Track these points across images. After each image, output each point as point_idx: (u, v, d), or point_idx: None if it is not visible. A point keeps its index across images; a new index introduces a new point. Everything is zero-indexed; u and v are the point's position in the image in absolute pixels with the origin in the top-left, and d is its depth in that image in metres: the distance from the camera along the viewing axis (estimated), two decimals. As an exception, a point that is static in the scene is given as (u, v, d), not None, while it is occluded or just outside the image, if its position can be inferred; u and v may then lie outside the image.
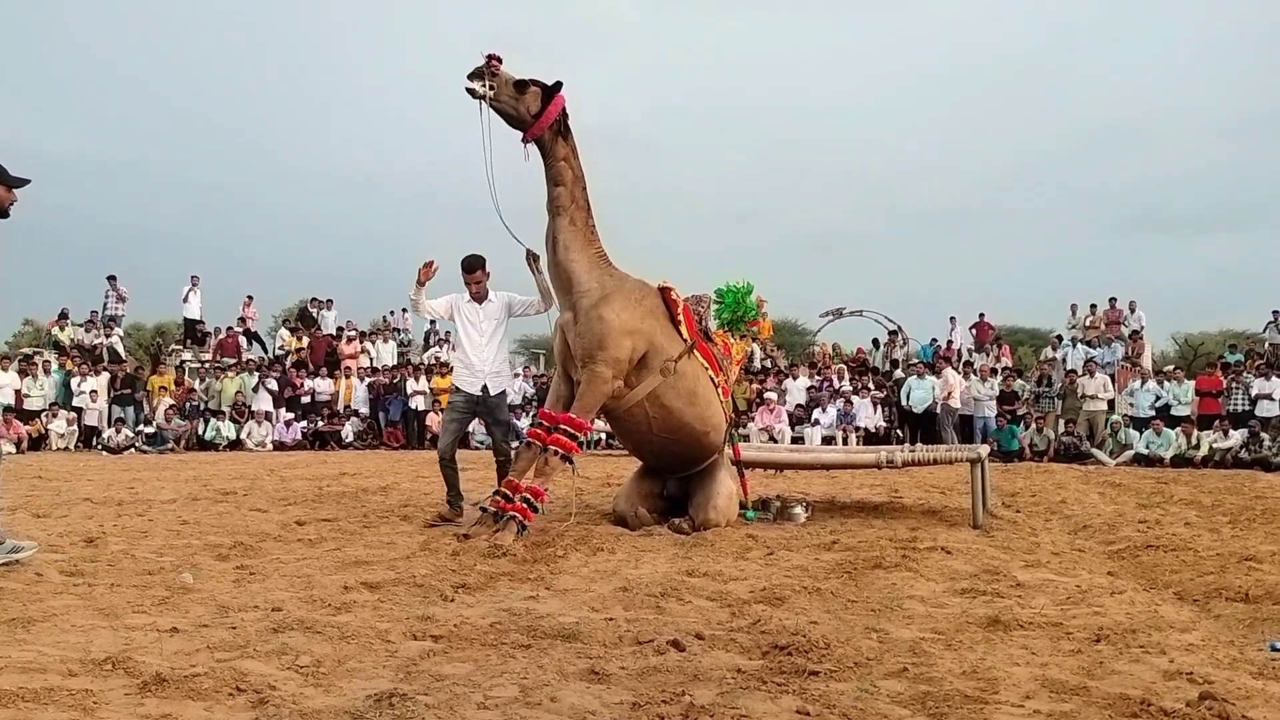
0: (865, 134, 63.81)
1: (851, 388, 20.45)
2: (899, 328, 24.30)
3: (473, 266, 7.65)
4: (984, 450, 8.17)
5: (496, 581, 5.18)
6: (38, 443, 18.09)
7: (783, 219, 64.52)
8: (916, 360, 21.24)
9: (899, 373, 21.11)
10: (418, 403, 20.57)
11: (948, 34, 61.42)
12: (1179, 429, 17.04)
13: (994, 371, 20.21)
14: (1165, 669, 3.59)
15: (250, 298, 24.41)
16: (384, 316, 26.05)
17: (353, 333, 23.36)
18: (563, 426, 6.78)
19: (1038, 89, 61.57)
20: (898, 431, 19.37)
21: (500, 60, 6.73)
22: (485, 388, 7.59)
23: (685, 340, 7.26)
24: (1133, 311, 22.29)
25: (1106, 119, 57.82)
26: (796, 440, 18.37)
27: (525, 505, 6.57)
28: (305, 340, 23.03)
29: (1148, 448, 16.90)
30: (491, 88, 6.70)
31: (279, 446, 19.28)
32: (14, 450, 16.71)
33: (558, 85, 6.91)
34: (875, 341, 24.51)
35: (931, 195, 61.00)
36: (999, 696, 3.22)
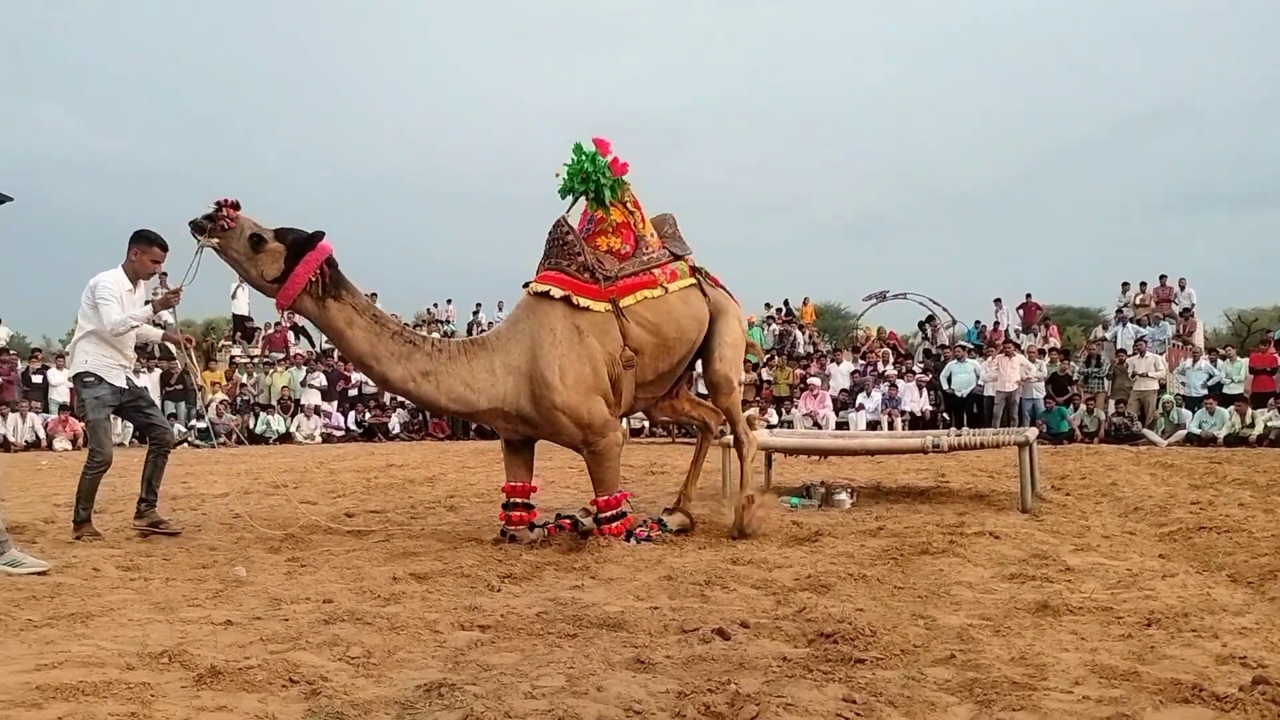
0: (898, 119, 63.34)
1: (896, 371, 20.29)
2: (944, 309, 24.12)
3: (166, 246, 6.45)
4: (1032, 433, 8.08)
5: (542, 571, 5.22)
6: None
7: (816, 207, 64.23)
8: (961, 343, 21.02)
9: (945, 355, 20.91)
10: (462, 393, 20.72)
11: (979, 14, 60.46)
12: (1232, 407, 16.73)
13: (1042, 353, 19.96)
14: (1218, 653, 3.54)
15: (296, 293, 24.68)
16: (427, 309, 26.23)
17: (397, 325, 23.57)
18: (603, 515, 6.09)
19: (1077, 69, 60.74)
20: (944, 415, 19.20)
21: (237, 207, 5.69)
22: (129, 380, 6.60)
23: (607, 308, 6.11)
24: (1183, 289, 21.90)
25: (1150, 98, 56.81)
26: (841, 425, 18.28)
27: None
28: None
29: (1200, 427, 16.62)
30: (215, 238, 5.64)
31: (327, 439, 19.53)
32: (70, 447, 17.08)
33: (316, 235, 5.76)
34: (921, 325, 24.33)
35: (968, 178, 60.50)
36: (1048, 683, 3.20)
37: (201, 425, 18.88)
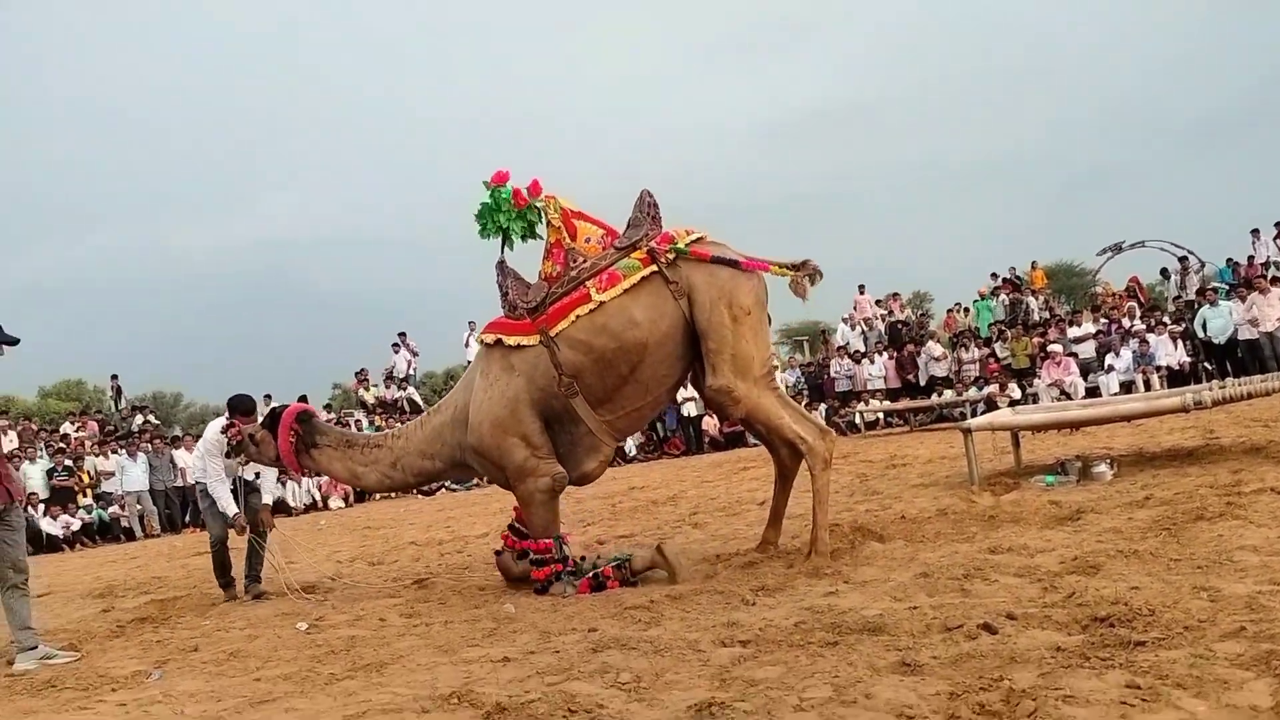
0: (1110, 54, 59.26)
1: (1145, 326, 18.97)
2: (1189, 252, 22.40)
3: (242, 411, 7.11)
4: (1307, 375, 7.40)
5: (794, 580, 5.23)
6: (361, 496, 19.85)
7: (1037, 161, 61.14)
8: (1214, 285, 19.44)
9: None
10: (689, 409, 20.90)
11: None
12: None
13: (1308, 282, 18.17)
14: None
15: (522, 332, 25.70)
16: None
17: (620, 352, 24.12)
18: (534, 558, 6.00)
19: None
20: (1205, 365, 17.79)
21: (232, 424, 6.83)
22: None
23: (539, 338, 5.95)
24: None
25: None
26: (1091, 391, 17.28)
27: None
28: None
29: None
30: (239, 454, 6.80)
31: (571, 469, 20.21)
32: (344, 505, 18.46)
33: (273, 414, 6.69)
34: (1164, 271, 22.72)
35: (1196, 104, 55.85)
36: (1358, 650, 2.94)
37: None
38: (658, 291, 5.89)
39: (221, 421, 7.20)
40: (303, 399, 6.77)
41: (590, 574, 5.82)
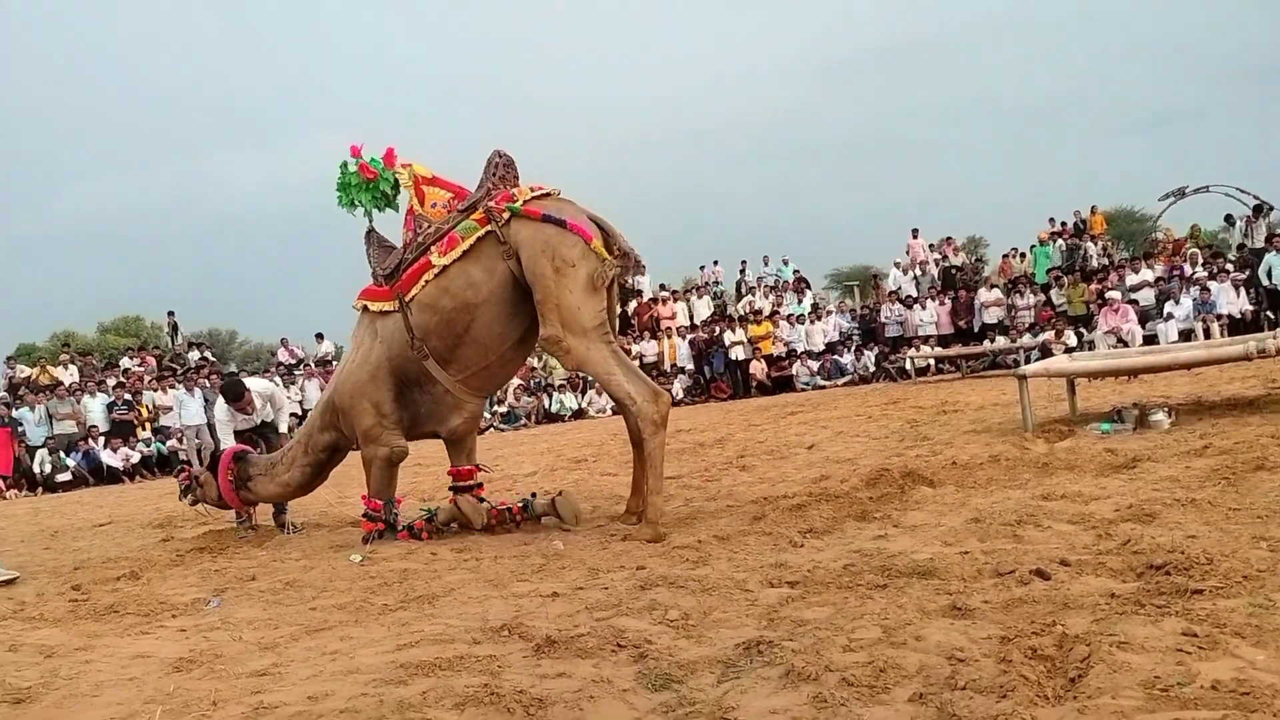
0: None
1: (1207, 273, 18.50)
2: (1255, 197, 21.72)
3: (230, 397, 7.58)
4: (1378, 324, 7.18)
5: (843, 523, 5.22)
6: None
7: (1100, 102, 59.59)
8: (1278, 232, 18.85)
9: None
10: (737, 353, 20.90)
11: None
12: None
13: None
14: None
15: (572, 275, 25.64)
16: (699, 269, 26.49)
17: (667, 294, 24.02)
18: (364, 512, 6.68)
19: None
20: (1268, 314, 17.34)
21: (189, 464, 7.02)
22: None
23: (395, 305, 6.30)
24: None
25: None
26: (1150, 339, 16.95)
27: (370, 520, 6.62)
28: (631, 307, 23.93)
29: None
30: (188, 496, 7.40)
31: (618, 411, 20.27)
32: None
33: (214, 458, 7.26)
34: (1228, 218, 22.07)
35: (1264, 46, 53.94)
36: None
37: (502, 410, 20.13)
38: (492, 252, 6.02)
39: (223, 404, 7.60)
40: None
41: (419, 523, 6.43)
